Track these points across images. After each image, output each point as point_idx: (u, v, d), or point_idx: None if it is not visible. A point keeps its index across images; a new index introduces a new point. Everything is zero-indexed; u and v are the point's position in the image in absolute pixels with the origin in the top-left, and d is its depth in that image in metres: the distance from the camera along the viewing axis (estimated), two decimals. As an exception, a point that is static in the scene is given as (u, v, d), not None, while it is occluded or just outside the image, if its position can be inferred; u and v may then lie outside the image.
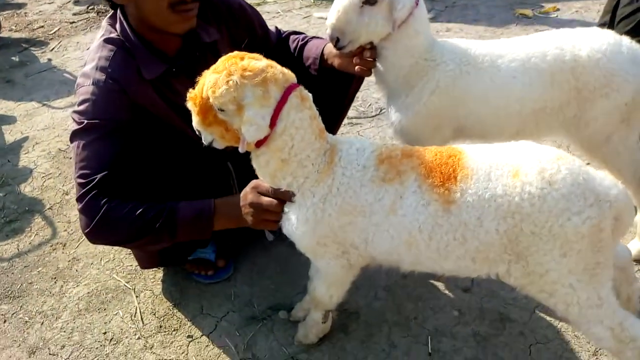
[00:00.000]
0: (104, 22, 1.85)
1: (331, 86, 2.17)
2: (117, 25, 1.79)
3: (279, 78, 1.37)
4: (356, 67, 1.91)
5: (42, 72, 4.29)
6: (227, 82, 1.32)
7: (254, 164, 1.50)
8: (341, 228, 1.46)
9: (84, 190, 1.63)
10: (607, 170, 2.10)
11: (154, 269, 2.25)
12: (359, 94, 3.21)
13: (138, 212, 1.62)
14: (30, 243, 2.52)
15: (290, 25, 4.58)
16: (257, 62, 1.37)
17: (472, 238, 1.34)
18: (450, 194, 1.34)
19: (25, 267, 2.38)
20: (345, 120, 3.18)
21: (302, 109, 1.40)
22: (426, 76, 1.88)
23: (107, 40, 1.76)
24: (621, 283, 1.61)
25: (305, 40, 2.15)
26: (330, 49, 2.04)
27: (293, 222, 1.51)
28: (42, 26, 5.23)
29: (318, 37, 2.21)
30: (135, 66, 1.74)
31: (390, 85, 1.97)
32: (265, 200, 1.54)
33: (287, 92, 1.37)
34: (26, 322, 2.10)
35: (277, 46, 2.21)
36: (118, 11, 1.81)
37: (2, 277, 2.34)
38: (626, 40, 1.83)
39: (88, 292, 2.21)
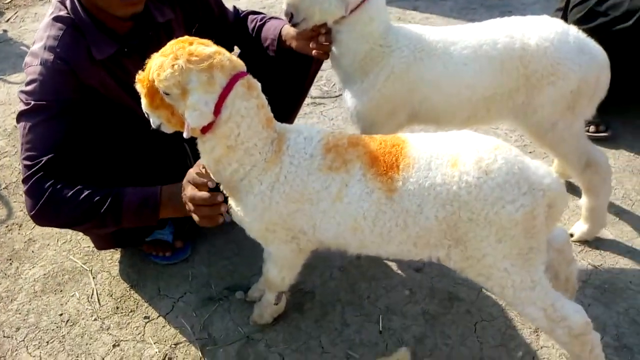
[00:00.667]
0: (54, 0, 1.80)
1: (290, 67, 2.18)
2: (68, 2, 1.75)
3: (226, 65, 1.37)
4: (312, 51, 1.92)
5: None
6: (173, 65, 1.32)
7: (200, 150, 1.50)
8: (289, 215, 1.50)
9: (29, 172, 1.62)
10: (554, 155, 2.19)
11: (111, 250, 2.25)
12: (322, 73, 3.23)
13: (83, 195, 1.62)
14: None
15: (252, 3, 4.51)
16: (205, 47, 1.37)
17: (413, 224, 1.39)
18: (392, 183, 1.38)
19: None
20: (309, 100, 3.20)
21: (249, 97, 1.41)
22: (381, 62, 1.90)
23: (57, 19, 1.72)
24: (560, 264, 1.69)
25: (264, 20, 2.14)
26: (287, 30, 2.04)
27: (242, 210, 1.53)
28: (-2, -5, 5.03)
29: (276, 18, 2.20)
30: (85, 46, 1.71)
31: (346, 70, 1.98)
32: (199, 195, 1.54)
33: (234, 79, 1.38)
34: (-20, 304, 2.09)
35: (234, 25, 2.19)
36: None
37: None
38: (573, 29, 1.88)
39: (44, 274, 2.21)
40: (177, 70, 1.31)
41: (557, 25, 1.87)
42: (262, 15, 2.18)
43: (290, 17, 1.85)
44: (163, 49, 1.39)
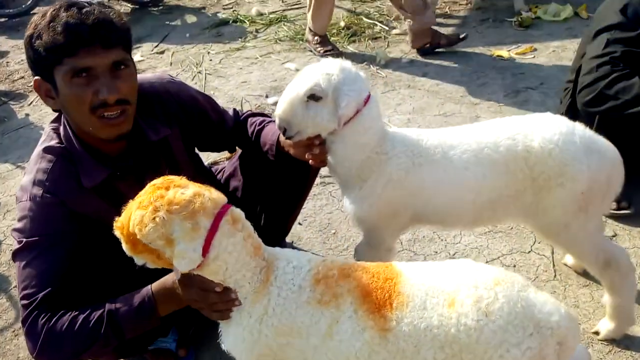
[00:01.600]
0: (47, 127, 1.82)
1: (290, 171, 2.15)
2: (61, 129, 1.76)
3: (208, 207, 1.34)
4: (309, 160, 1.89)
5: (19, 129, 4.28)
6: (154, 218, 1.29)
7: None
8: (279, 348, 1.44)
9: (26, 312, 1.60)
10: (569, 254, 2.08)
11: (114, 361, 2.20)
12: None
13: (78, 324, 1.58)
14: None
15: (268, 73, 4.58)
16: (183, 191, 1.34)
17: None
18: (386, 322, 1.31)
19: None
20: (318, 180, 3.15)
21: (234, 232, 1.38)
22: (378, 169, 1.86)
23: (46, 150, 1.73)
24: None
25: (262, 124, 2.13)
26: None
27: (231, 340, 1.49)
28: (23, 77, 5.23)
29: (274, 121, 2.19)
30: (76, 175, 1.71)
31: (343, 177, 1.94)
32: (212, 295, 1.47)
33: (217, 219, 1.35)
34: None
35: (234, 130, 2.18)
36: (63, 113, 1.78)
37: None
38: (579, 127, 1.81)
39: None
40: (159, 224, 1.29)
41: (562, 125, 1.79)
42: (262, 119, 2.17)
43: (284, 131, 1.83)
44: (139, 199, 1.36)
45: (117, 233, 1.40)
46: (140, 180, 1.83)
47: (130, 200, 1.39)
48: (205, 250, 1.34)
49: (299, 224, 2.80)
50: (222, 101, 4.23)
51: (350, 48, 4.78)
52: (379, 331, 1.31)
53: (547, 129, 1.77)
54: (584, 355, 1.57)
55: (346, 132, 1.79)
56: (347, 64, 1.80)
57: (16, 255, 1.65)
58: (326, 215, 2.92)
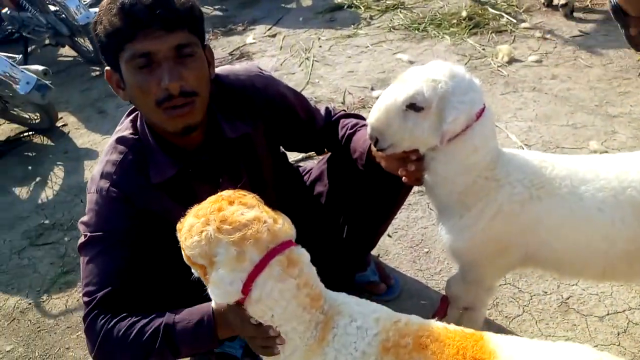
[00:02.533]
0: (124, 117, 1.74)
1: (380, 184, 1.91)
2: (138, 122, 1.67)
3: (262, 238, 1.14)
4: (402, 177, 1.63)
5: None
6: (201, 232, 1.13)
7: None
8: None
9: (87, 310, 1.54)
10: None
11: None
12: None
13: (134, 333, 1.48)
14: (78, 300, 2.53)
15: (377, 63, 4.32)
16: (243, 212, 1.15)
17: None
18: None
19: (67, 327, 2.39)
20: (415, 189, 2.88)
21: (285, 278, 1.16)
22: (486, 197, 1.55)
23: (119, 140, 1.64)
24: None
25: (355, 128, 1.90)
26: None
27: None
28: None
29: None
30: (146, 169, 1.61)
31: (441, 201, 1.66)
32: (251, 329, 1.27)
33: (269, 255, 1.14)
34: (54, 396, 2.10)
35: (324, 130, 1.98)
36: None
37: (46, 336, 2.37)
38: None
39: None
40: (204, 240, 1.13)
41: None
42: (355, 121, 1.93)
43: (375, 141, 1.58)
44: (201, 205, 1.21)
45: (178, 235, 1.26)
46: (214, 179, 1.71)
47: (191, 207, 1.24)
48: (247, 288, 1.15)
49: (389, 235, 2.55)
50: (325, 91, 4.05)
51: (470, 41, 4.35)
52: None
53: None
54: None
55: (451, 149, 1.50)
56: (459, 69, 1.49)
57: (81, 249, 1.60)
58: (420, 230, 2.63)
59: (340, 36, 4.87)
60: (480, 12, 4.72)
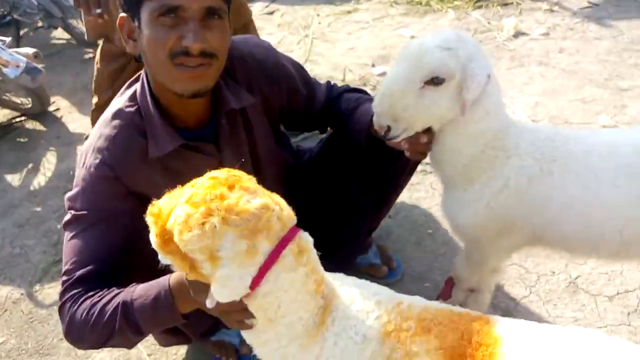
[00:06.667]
0: (124, 88, 1.62)
1: (384, 160, 1.81)
2: (139, 87, 1.55)
3: (274, 227, 1.03)
4: (406, 151, 1.53)
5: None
6: (203, 224, 0.98)
7: None
8: None
9: (62, 289, 1.46)
10: None
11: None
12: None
13: (95, 314, 1.38)
14: (72, 289, 2.46)
15: (378, 39, 4.18)
16: (249, 199, 1.02)
17: None
18: None
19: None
20: (419, 168, 2.77)
21: (297, 266, 1.06)
22: (492, 170, 1.45)
23: (116, 114, 1.53)
24: None
25: (358, 102, 1.79)
26: None
27: None
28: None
29: (372, 99, 1.84)
30: (141, 146, 1.51)
31: (447, 174, 1.56)
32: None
33: (281, 245, 1.03)
34: (47, 386, 2.04)
35: (326, 106, 1.87)
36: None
37: (39, 327, 2.30)
38: None
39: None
40: (207, 232, 0.98)
41: None
42: (358, 96, 1.82)
43: (387, 130, 1.46)
44: (193, 190, 1.05)
45: (149, 219, 1.10)
46: (217, 154, 1.60)
47: (177, 188, 1.10)
48: (256, 283, 1.04)
49: (389, 217, 2.46)
50: (324, 68, 3.93)
51: (475, 14, 4.21)
52: None
53: None
54: None
55: (464, 118, 1.40)
56: (465, 35, 1.39)
57: (65, 227, 1.52)
58: (423, 210, 2.53)
59: (340, 12, 4.72)
60: (485, -16, 4.56)
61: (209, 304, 1.09)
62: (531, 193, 1.43)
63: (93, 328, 1.39)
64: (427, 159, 1.62)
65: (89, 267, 1.45)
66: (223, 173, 1.08)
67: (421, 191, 2.66)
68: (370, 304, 1.11)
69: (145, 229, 1.35)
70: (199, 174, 1.14)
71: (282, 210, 1.07)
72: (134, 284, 1.42)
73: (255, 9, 5.17)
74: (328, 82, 1.92)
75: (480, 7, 4.31)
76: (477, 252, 1.65)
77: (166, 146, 1.51)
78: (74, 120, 3.93)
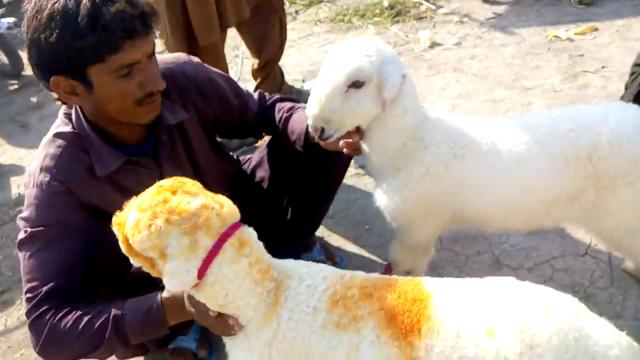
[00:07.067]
0: (61, 112, 1.70)
1: (319, 162, 1.97)
2: (73, 115, 1.64)
3: (213, 224, 1.18)
4: (343, 150, 1.70)
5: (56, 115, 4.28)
6: (149, 226, 1.14)
7: None
8: None
9: (30, 305, 1.51)
10: (633, 261, 1.82)
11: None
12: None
13: (82, 325, 1.48)
14: (18, 318, 2.43)
15: (306, 56, 4.39)
16: (190, 200, 1.17)
17: None
18: (412, 350, 1.13)
19: (9, 347, 2.30)
20: (353, 171, 2.97)
21: (239, 258, 1.21)
22: (414, 159, 1.65)
23: (57, 135, 1.61)
24: None
25: (291, 111, 1.95)
26: None
27: None
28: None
29: (304, 107, 2.01)
30: (87, 163, 1.59)
31: (377, 166, 1.75)
32: (210, 319, 1.32)
33: (221, 240, 1.19)
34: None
35: (260, 114, 2.01)
36: None
37: (-14, 357, 2.27)
38: (654, 117, 1.54)
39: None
40: (154, 233, 1.14)
41: (633, 114, 1.54)
42: (290, 105, 1.98)
43: (321, 132, 1.63)
44: (142, 198, 1.21)
45: (115, 229, 1.25)
46: (157, 168, 1.70)
47: (134, 197, 1.25)
48: (202, 274, 1.18)
49: (330, 217, 2.62)
50: (257, 85, 4.08)
51: (394, 29, 4.52)
52: None
53: (617, 120, 1.52)
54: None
55: (385, 115, 1.60)
56: (380, 42, 1.59)
57: (21, 245, 1.56)
58: (359, 209, 2.72)
59: (267, 32, 4.90)
60: (401, 0, 4.91)
61: (165, 293, 1.21)
62: (448, 177, 1.64)
63: (78, 340, 1.47)
64: (362, 163, 1.80)
65: (54, 283, 1.51)
66: (169, 181, 1.24)
67: (356, 192, 2.85)
68: (317, 279, 1.27)
69: (103, 239, 1.46)
70: (146, 186, 1.28)
71: (222, 208, 1.21)
72: (121, 299, 1.52)
73: (184, 33, 5.26)
74: (260, 92, 2.07)
75: (398, 21, 4.63)
76: (409, 235, 1.83)
77: (110, 164, 1.60)
78: (5, 152, 3.85)
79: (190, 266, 1.16)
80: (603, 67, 3.55)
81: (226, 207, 1.23)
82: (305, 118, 1.86)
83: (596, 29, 4.03)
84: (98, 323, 1.49)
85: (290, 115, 1.94)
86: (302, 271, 1.31)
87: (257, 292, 1.24)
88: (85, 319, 1.49)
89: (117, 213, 1.26)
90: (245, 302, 1.23)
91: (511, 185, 1.61)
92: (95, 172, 1.59)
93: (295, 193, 2.11)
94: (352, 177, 2.93)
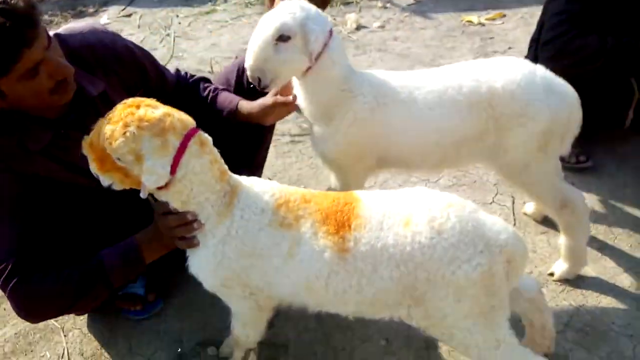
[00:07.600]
0: None
1: (247, 129, 2.17)
2: None
3: (177, 126, 1.36)
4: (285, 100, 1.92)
5: None
6: (124, 133, 1.30)
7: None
8: (243, 270, 1.48)
9: (5, 275, 1.60)
10: (528, 195, 2.15)
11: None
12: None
13: (64, 278, 1.61)
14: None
15: (239, 36, 4.54)
16: (154, 110, 1.35)
17: (368, 285, 1.36)
18: (344, 243, 1.35)
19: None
20: (287, 138, 3.19)
21: (202, 154, 1.40)
22: (344, 108, 1.88)
23: None
24: (533, 313, 1.64)
25: (217, 92, 2.15)
26: (242, 105, 2.06)
27: (196, 262, 1.52)
28: None
29: (226, 90, 2.20)
30: (19, 141, 1.66)
31: (312, 115, 1.96)
32: (172, 218, 1.50)
33: (186, 139, 1.37)
34: (-53, 368, 2.04)
35: (178, 89, 2.17)
36: None
37: None
38: (541, 69, 1.85)
39: (15, 333, 2.15)
40: (129, 138, 1.30)
41: (524, 67, 1.84)
42: (215, 86, 2.18)
43: (259, 82, 1.82)
44: (110, 115, 1.36)
45: (85, 151, 1.40)
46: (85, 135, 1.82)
47: (100, 119, 1.39)
48: (173, 169, 1.36)
49: (269, 179, 2.80)
50: (191, 62, 4.18)
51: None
52: (338, 252, 1.36)
53: (510, 70, 1.82)
54: (533, 285, 1.64)
55: (315, 69, 1.80)
56: (304, 2, 1.80)
57: None
58: (296, 171, 2.94)
59: (199, 13, 5.00)
60: (328, -14, 5.15)
61: (142, 195, 1.37)
62: (373, 123, 1.88)
63: (64, 292, 1.60)
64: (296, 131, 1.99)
65: (16, 256, 1.61)
66: (130, 99, 1.40)
67: (292, 157, 3.07)
68: (265, 188, 1.50)
69: (55, 205, 1.57)
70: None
71: (181, 115, 1.40)
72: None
73: (112, 12, 5.23)
74: (177, 69, 2.25)
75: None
76: (342, 177, 2.06)
77: (42, 140, 1.69)
78: None
79: (164, 162, 1.33)
80: (510, 48, 3.99)
81: (184, 115, 1.41)
82: (233, 99, 2.08)
83: (504, 15, 4.49)
84: (79, 273, 1.62)
85: (217, 95, 2.14)
86: (253, 181, 1.53)
87: (217, 189, 1.43)
88: (66, 273, 1.62)
89: (85, 137, 1.40)
90: (206, 196, 1.42)
91: (426, 128, 1.87)
92: (29, 148, 1.68)
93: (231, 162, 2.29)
94: (288, 144, 3.14)
